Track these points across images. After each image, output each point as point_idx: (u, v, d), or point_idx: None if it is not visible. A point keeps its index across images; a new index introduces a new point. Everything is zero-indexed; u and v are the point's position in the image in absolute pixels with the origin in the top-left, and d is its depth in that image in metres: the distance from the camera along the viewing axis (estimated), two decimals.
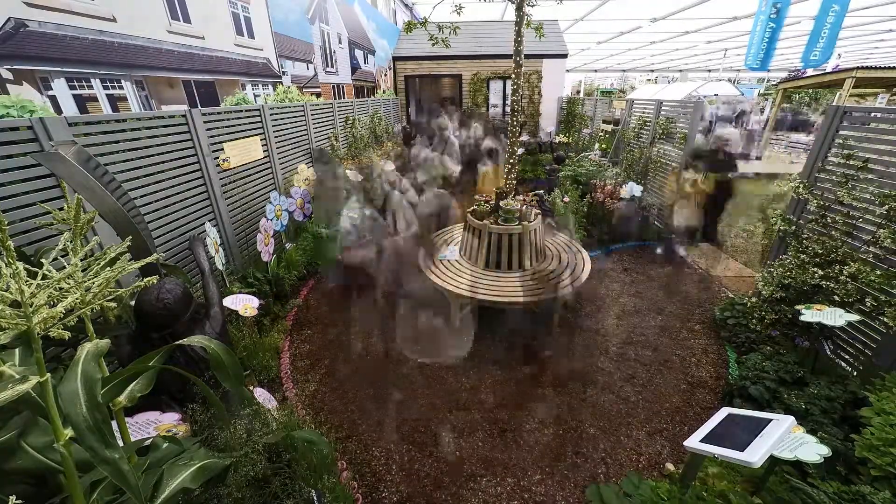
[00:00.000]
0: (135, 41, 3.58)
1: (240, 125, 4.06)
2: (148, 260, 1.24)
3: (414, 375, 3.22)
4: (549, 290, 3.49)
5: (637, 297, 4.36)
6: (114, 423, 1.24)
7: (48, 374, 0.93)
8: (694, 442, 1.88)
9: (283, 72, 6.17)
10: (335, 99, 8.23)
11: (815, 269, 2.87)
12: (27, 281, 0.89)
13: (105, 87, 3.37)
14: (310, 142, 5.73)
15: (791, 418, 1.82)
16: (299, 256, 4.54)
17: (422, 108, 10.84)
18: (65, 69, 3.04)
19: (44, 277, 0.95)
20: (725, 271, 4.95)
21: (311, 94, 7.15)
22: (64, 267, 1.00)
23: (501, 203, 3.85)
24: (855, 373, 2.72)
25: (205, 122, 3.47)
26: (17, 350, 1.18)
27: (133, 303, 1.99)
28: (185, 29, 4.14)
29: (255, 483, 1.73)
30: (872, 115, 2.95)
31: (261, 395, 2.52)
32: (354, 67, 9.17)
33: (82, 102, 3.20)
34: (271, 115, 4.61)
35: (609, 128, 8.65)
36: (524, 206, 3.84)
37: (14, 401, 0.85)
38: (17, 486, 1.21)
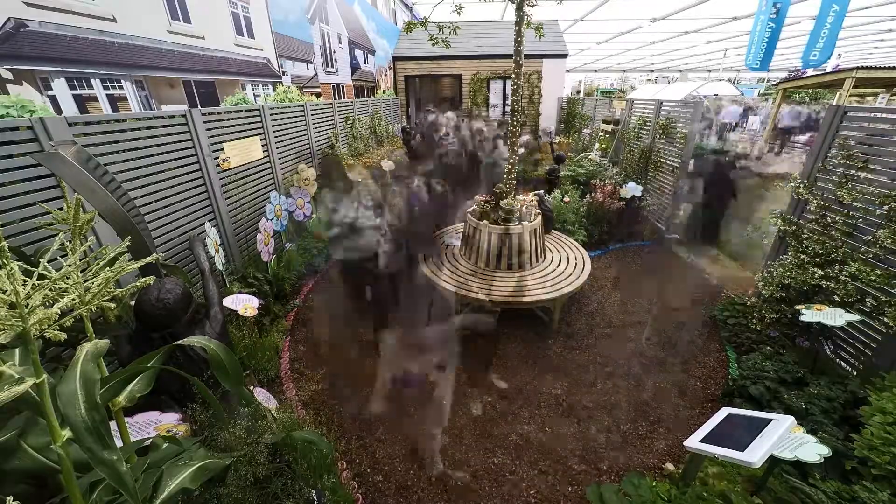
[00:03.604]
0: (135, 41, 3.58)
1: (240, 125, 4.06)
2: (148, 260, 1.24)
3: (414, 375, 3.22)
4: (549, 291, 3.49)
5: (636, 296, 4.36)
6: (113, 424, 1.24)
7: (45, 376, 0.93)
8: (694, 442, 1.88)
9: (283, 72, 6.17)
10: (335, 99, 8.23)
11: (815, 270, 2.87)
12: (23, 281, 0.89)
13: (105, 87, 3.38)
14: (310, 142, 5.73)
15: (791, 418, 1.82)
16: (299, 256, 4.54)
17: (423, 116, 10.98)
18: (65, 69, 3.04)
19: (41, 277, 0.95)
20: (725, 271, 4.95)
21: (311, 94, 7.15)
22: (62, 267, 1.00)
23: (501, 203, 3.85)
24: (855, 373, 2.72)
25: (205, 122, 3.47)
26: (16, 350, 1.18)
27: (133, 303, 1.99)
28: (185, 29, 4.14)
29: (255, 483, 1.73)
30: (873, 115, 2.95)
31: (261, 394, 2.52)
32: (354, 67, 9.17)
33: (82, 102, 3.20)
34: (271, 115, 4.61)
35: (609, 128, 8.64)
36: (524, 206, 3.84)
37: (14, 401, 0.85)
38: (17, 487, 1.21)
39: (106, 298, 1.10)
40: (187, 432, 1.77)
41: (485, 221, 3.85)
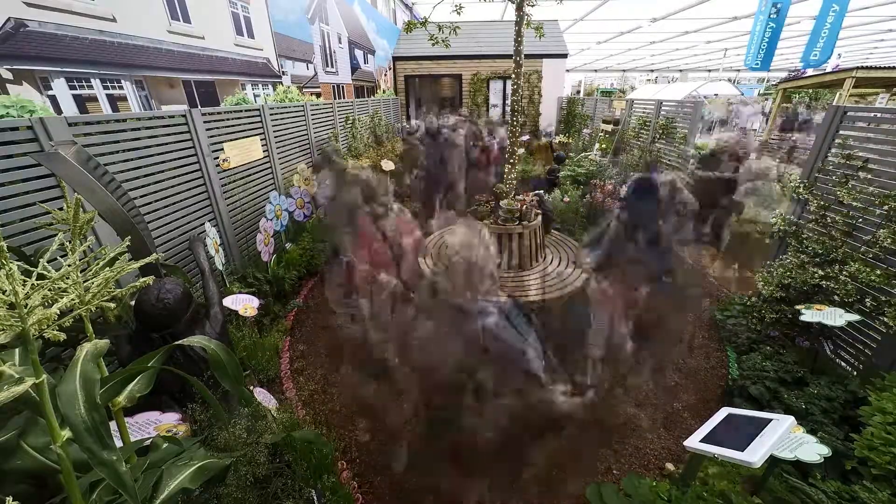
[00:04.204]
0: (135, 41, 3.58)
1: (240, 125, 4.06)
2: (147, 260, 1.24)
3: (414, 374, 3.21)
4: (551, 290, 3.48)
5: (636, 296, 4.35)
6: (113, 424, 1.24)
7: (44, 376, 0.93)
8: (694, 442, 1.88)
9: (283, 72, 6.17)
10: (335, 99, 8.23)
11: (815, 270, 2.87)
12: (23, 281, 0.89)
13: (105, 87, 3.37)
14: (310, 142, 5.73)
15: (791, 418, 1.82)
16: (299, 256, 4.54)
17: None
18: (65, 69, 3.04)
19: (40, 277, 0.95)
20: (725, 272, 4.94)
21: (311, 94, 7.15)
22: (62, 267, 1.00)
23: (501, 203, 3.84)
24: (855, 373, 2.72)
25: (205, 122, 3.47)
26: (16, 350, 1.19)
27: (133, 303, 1.99)
28: (185, 29, 4.14)
29: (255, 483, 1.73)
30: (872, 115, 2.95)
31: (260, 394, 2.52)
32: (354, 67, 9.17)
33: (82, 102, 3.20)
34: (271, 115, 4.61)
35: (609, 128, 8.64)
36: (524, 206, 3.84)
37: (13, 401, 0.85)
38: (17, 487, 1.21)
39: (106, 298, 1.10)
40: (187, 432, 1.77)
41: (485, 221, 3.85)
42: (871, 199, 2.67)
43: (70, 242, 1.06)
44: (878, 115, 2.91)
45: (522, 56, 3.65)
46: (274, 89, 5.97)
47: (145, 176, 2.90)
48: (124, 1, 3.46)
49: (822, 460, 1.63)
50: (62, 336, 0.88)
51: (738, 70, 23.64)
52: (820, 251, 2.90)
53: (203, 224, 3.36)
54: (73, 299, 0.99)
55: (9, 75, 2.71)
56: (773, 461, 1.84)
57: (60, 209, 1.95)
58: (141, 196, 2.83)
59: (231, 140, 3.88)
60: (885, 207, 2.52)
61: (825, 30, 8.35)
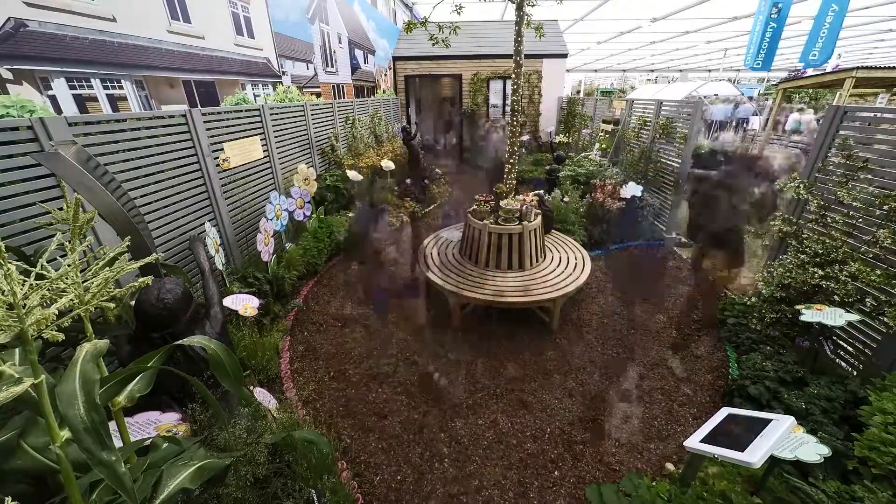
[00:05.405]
0: (135, 41, 3.58)
1: (240, 125, 4.06)
2: (147, 260, 1.24)
3: (414, 373, 3.22)
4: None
5: (636, 296, 4.36)
6: (113, 424, 1.24)
7: (44, 376, 0.93)
8: (694, 442, 1.88)
9: (283, 72, 6.17)
10: (335, 99, 8.23)
11: (815, 270, 2.87)
12: (22, 281, 0.89)
13: (105, 87, 3.37)
14: (310, 142, 5.73)
15: (791, 418, 1.82)
16: (299, 256, 4.54)
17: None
18: (65, 69, 3.04)
19: (39, 277, 0.95)
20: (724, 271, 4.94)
21: (311, 94, 7.15)
22: (61, 267, 1.00)
23: (501, 203, 3.85)
24: (855, 373, 2.72)
25: (205, 122, 3.47)
26: (16, 350, 1.18)
27: (133, 303, 1.99)
28: (185, 29, 4.14)
29: (255, 483, 1.73)
30: (872, 115, 2.95)
31: (260, 394, 2.52)
32: (354, 67, 9.17)
33: (82, 102, 3.20)
34: (271, 115, 4.61)
35: (609, 128, 8.62)
36: (524, 206, 3.84)
37: (13, 401, 0.85)
38: (16, 486, 1.21)
39: (105, 298, 1.10)
40: (187, 432, 1.77)
41: (485, 221, 3.85)
42: (871, 199, 2.66)
43: (70, 242, 1.06)
44: (879, 115, 2.91)
45: (522, 56, 3.66)
46: (274, 89, 5.97)
47: (145, 176, 2.90)
48: (124, 1, 3.46)
49: (823, 460, 1.62)
50: (61, 336, 0.88)
51: (738, 70, 23.63)
52: (820, 251, 2.90)
53: (203, 224, 3.36)
54: (72, 299, 0.99)
55: (9, 75, 2.71)
56: (773, 461, 1.84)
57: (60, 209, 1.96)
58: (141, 196, 2.83)
59: (231, 140, 3.88)
60: (885, 207, 2.52)
61: (825, 30, 8.34)
